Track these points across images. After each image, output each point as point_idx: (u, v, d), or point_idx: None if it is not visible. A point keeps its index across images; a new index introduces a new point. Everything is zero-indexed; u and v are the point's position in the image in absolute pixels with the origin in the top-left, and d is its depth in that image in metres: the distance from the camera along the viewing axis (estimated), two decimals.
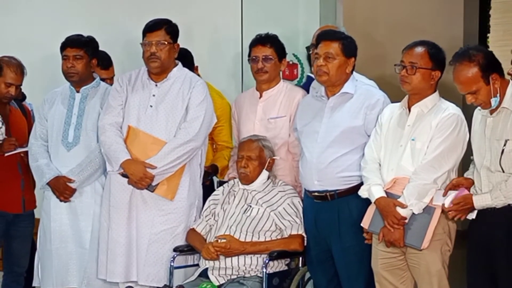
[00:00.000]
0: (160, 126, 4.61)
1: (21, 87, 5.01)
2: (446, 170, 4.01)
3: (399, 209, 4.01)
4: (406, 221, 4.02)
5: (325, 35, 4.43)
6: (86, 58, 4.81)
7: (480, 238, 3.96)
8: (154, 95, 4.66)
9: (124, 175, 4.58)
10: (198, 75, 5.04)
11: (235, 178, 4.74)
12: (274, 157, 4.65)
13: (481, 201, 3.90)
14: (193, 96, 4.63)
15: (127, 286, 4.62)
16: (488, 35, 5.86)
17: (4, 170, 4.91)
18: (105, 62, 5.28)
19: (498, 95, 3.87)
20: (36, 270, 4.90)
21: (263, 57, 4.78)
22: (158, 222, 4.61)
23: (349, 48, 4.37)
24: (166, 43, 4.65)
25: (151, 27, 4.66)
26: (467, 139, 4.06)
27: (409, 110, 4.14)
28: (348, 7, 5.84)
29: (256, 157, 4.59)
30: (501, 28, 5.42)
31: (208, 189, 4.92)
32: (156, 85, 4.69)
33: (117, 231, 4.63)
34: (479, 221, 3.95)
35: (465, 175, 4.12)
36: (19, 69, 4.91)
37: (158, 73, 4.68)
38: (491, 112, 3.95)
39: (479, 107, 4.02)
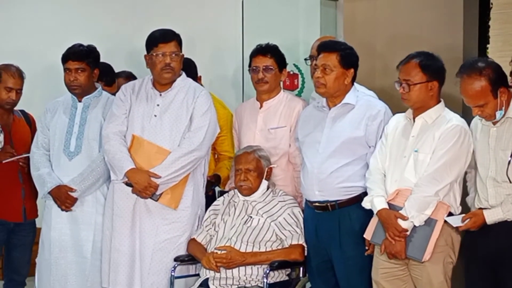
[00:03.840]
0: (164, 136, 4.60)
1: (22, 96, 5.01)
2: (448, 182, 3.98)
3: (400, 221, 4.00)
4: (408, 233, 4.00)
5: (324, 46, 4.42)
6: (88, 70, 4.80)
7: (482, 249, 3.94)
8: (158, 105, 4.65)
9: (128, 184, 4.58)
10: (202, 85, 5.04)
11: (235, 188, 4.73)
12: (271, 166, 4.65)
13: (492, 216, 3.87)
14: (197, 106, 4.63)
15: None
16: (488, 46, 5.85)
17: (5, 179, 4.90)
18: (108, 78, 5.28)
19: (503, 107, 3.87)
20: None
21: (264, 67, 4.78)
22: (162, 231, 4.61)
23: (348, 59, 4.36)
24: (179, 54, 4.65)
25: (165, 38, 4.62)
26: (471, 151, 4.03)
27: (414, 121, 4.12)
28: (348, 17, 5.84)
29: (254, 168, 4.59)
30: (501, 39, 5.41)
31: (210, 199, 4.92)
32: (161, 95, 4.68)
33: (120, 240, 4.62)
34: (479, 232, 3.94)
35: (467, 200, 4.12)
36: (17, 73, 4.92)
37: (166, 83, 4.68)
38: (494, 123, 3.94)
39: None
